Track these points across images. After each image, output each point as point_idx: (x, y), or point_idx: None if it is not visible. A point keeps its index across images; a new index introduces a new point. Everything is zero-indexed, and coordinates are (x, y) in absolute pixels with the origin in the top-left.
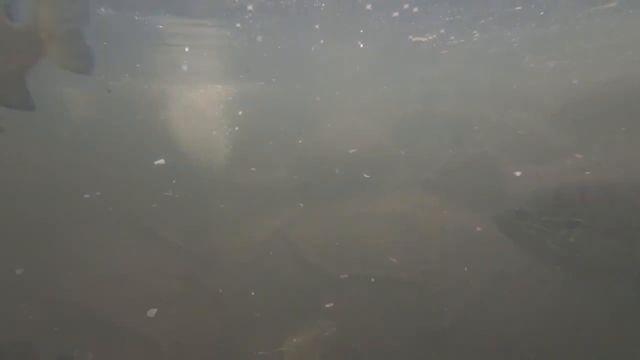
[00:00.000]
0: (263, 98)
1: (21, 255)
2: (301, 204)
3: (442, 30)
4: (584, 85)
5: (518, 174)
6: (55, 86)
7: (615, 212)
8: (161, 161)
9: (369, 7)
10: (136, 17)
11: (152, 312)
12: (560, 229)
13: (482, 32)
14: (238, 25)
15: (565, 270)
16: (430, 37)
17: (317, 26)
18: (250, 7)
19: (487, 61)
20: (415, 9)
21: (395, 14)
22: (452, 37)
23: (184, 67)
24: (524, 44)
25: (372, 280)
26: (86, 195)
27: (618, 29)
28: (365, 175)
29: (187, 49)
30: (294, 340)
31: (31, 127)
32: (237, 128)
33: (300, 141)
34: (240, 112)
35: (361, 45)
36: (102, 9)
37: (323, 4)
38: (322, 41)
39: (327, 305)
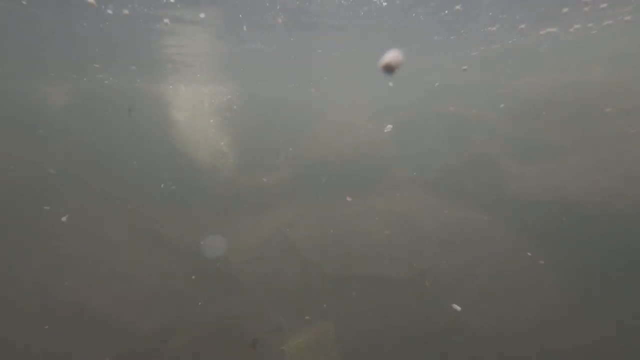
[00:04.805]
0: (269, 99)
1: (21, 255)
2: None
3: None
4: (583, 86)
5: (517, 173)
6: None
7: None
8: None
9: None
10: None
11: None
12: None
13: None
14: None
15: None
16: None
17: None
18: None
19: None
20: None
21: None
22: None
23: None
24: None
25: (372, 279)
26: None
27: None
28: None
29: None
30: (294, 340)
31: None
32: (238, 128)
33: (290, 149)
34: (243, 112)
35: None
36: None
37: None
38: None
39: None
